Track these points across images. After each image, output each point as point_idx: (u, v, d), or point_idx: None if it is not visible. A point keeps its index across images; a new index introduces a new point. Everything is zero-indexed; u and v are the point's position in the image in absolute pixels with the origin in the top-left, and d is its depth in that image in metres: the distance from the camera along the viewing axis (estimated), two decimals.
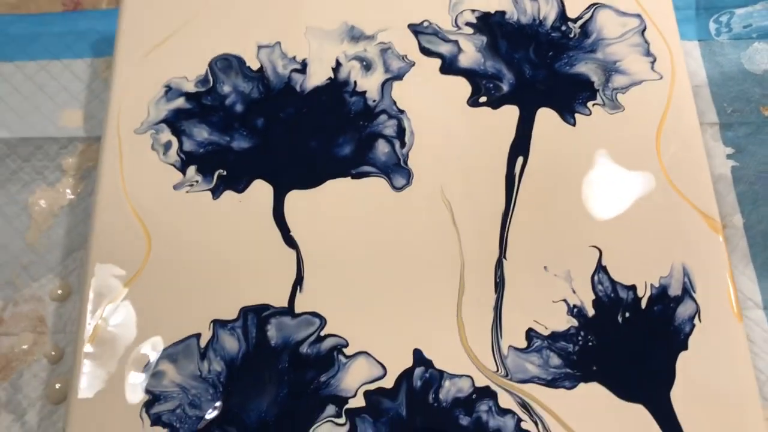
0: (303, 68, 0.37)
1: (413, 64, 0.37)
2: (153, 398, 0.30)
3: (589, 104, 0.36)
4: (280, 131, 0.36)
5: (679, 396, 0.31)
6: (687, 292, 0.33)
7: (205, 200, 0.34)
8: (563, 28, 0.38)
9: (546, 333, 0.32)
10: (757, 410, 0.31)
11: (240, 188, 0.34)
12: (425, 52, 0.38)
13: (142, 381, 0.30)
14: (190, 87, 0.36)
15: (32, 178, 0.38)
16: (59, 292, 0.36)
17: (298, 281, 0.32)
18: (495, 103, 0.36)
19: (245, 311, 0.32)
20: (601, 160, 0.35)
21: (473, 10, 0.39)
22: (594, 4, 0.39)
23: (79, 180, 0.38)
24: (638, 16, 0.39)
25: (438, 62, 0.37)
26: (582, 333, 0.32)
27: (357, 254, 0.33)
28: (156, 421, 0.30)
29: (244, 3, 0.39)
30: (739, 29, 0.43)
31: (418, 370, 0.31)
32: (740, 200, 0.39)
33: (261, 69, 0.37)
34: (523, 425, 0.30)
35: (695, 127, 0.36)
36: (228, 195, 0.34)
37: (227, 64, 0.37)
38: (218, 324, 0.32)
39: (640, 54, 0.38)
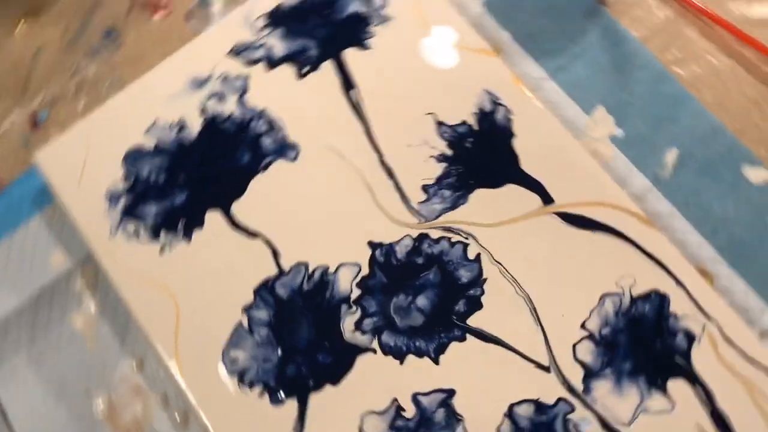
0: (182, 127, 0.50)
1: (249, 76, 0.50)
2: (240, 374, 0.45)
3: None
4: (194, 180, 0.49)
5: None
6: (496, 104, 0.48)
7: (183, 247, 0.47)
8: None
9: (433, 180, 0.47)
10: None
11: (200, 223, 0.48)
12: (251, 63, 0.51)
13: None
14: (124, 186, 0.49)
15: None
16: None
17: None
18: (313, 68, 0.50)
19: (256, 291, 0.46)
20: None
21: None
22: None
23: None
24: None
25: (262, 64, 0.51)
26: (452, 166, 0.47)
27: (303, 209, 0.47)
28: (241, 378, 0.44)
29: (113, 106, 0.51)
30: None
31: (377, 251, 0.46)
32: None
33: (156, 146, 0.50)
34: (454, 239, 0.46)
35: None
36: (197, 236, 0.48)
37: (134, 154, 0.49)
38: (247, 311, 0.46)
39: None
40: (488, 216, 0.46)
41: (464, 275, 0.45)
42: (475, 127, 0.48)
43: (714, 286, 0.46)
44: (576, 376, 0.43)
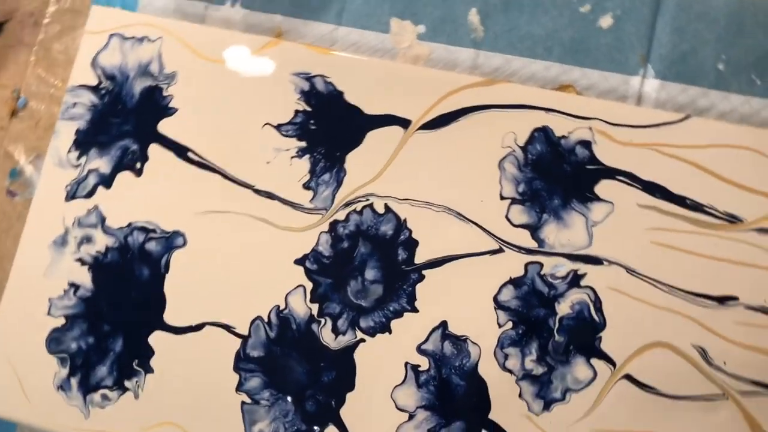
0: (75, 288, 0.49)
1: (96, 205, 0.50)
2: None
3: None
4: (118, 322, 0.49)
5: None
6: (309, 79, 0.50)
7: (152, 378, 0.48)
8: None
9: (308, 176, 0.48)
10: None
11: (149, 352, 0.48)
12: (90, 193, 0.50)
13: None
14: (65, 370, 0.49)
15: None
16: None
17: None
18: (144, 159, 0.50)
19: (236, 368, 0.47)
20: None
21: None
22: None
23: None
24: None
25: (101, 188, 0.50)
26: (314, 153, 0.49)
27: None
28: None
29: (3, 315, 0.50)
30: None
31: (306, 263, 0.47)
32: None
33: (66, 318, 0.49)
34: (359, 208, 0.47)
35: None
36: (155, 362, 0.48)
37: (54, 338, 0.49)
38: (241, 389, 0.46)
39: None
40: (370, 170, 0.48)
41: (387, 229, 0.47)
42: (308, 108, 0.49)
43: (578, 92, 0.49)
44: (525, 239, 0.46)
